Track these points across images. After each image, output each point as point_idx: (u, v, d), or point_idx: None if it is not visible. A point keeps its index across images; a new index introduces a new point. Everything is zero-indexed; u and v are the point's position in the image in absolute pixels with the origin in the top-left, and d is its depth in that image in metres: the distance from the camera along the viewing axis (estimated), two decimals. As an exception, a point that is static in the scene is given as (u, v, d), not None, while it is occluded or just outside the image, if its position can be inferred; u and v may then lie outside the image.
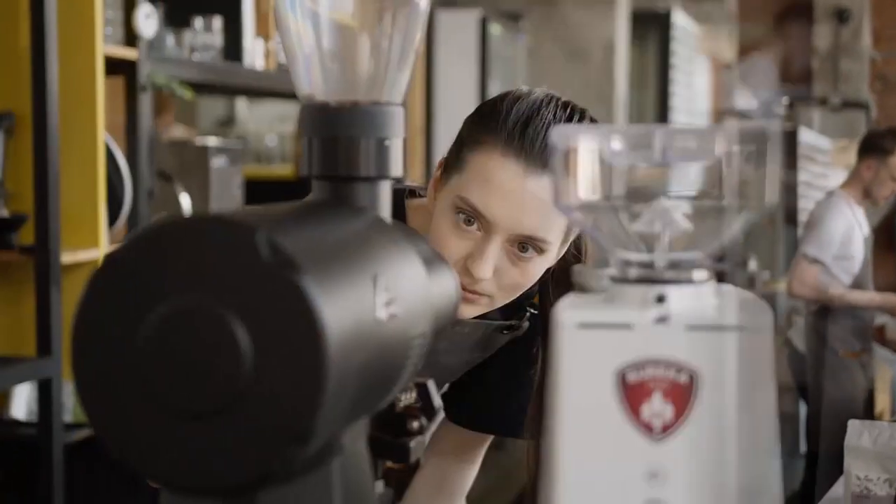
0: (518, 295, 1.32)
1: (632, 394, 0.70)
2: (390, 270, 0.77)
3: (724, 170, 0.73)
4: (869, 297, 4.58)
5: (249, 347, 0.64)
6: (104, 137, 2.65)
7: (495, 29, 5.00)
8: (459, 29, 4.96)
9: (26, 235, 2.53)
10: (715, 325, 0.70)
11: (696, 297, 0.73)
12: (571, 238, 1.35)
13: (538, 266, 1.29)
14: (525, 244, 1.27)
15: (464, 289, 1.28)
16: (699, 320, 0.71)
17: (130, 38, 2.80)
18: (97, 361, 0.67)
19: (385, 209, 0.87)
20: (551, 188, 0.76)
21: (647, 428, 0.69)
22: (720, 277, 0.79)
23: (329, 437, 0.68)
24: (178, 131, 4.00)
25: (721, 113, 9.72)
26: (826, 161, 8.12)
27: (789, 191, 7.17)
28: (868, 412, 4.51)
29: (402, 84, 0.89)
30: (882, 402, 4.71)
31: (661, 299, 0.72)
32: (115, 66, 2.77)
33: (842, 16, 9.48)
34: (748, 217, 0.74)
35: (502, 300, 1.32)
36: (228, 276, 0.65)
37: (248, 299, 0.64)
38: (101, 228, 2.65)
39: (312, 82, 0.88)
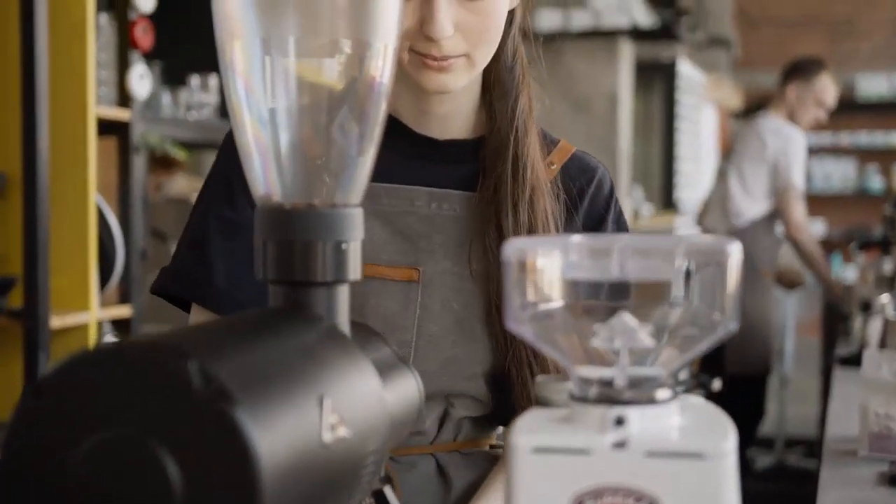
0: (494, 41, 1.25)
1: (587, 526, 0.66)
2: (340, 388, 0.73)
3: (683, 286, 0.70)
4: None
5: (180, 481, 0.61)
6: (96, 199, 2.63)
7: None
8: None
9: (15, 298, 2.50)
10: (676, 452, 0.67)
11: (658, 419, 0.69)
12: None
13: (496, 2, 1.22)
14: None
15: (434, 58, 1.21)
16: (660, 445, 0.67)
17: (124, 98, 2.80)
18: (26, 492, 0.64)
19: (342, 314, 0.84)
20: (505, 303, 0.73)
21: (603, 564, 0.66)
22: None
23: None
24: (181, 183, 3.99)
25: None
26: (701, 93, 8.28)
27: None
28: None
29: (361, 184, 0.87)
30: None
31: (620, 422, 0.69)
32: (108, 127, 2.76)
33: None
34: (711, 335, 0.70)
35: (481, 55, 1.24)
36: (159, 406, 0.62)
37: (179, 431, 0.62)
38: (92, 291, 2.63)
39: (268, 183, 0.85)
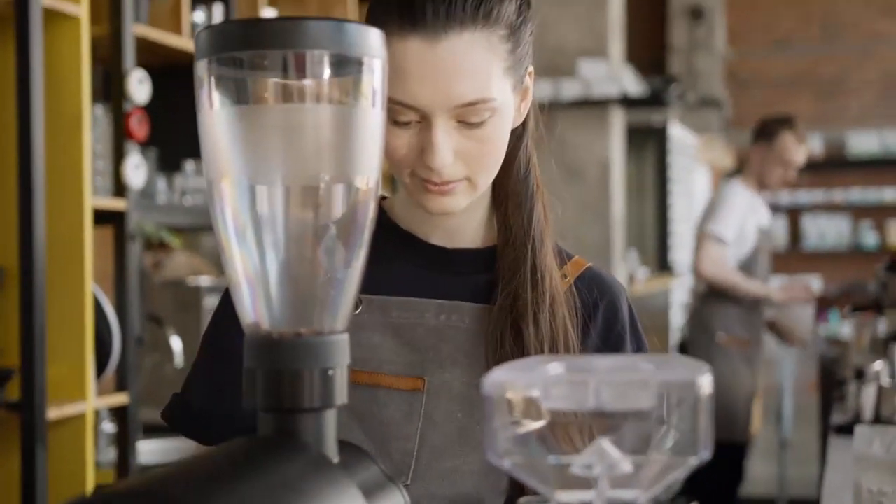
0: (496, 165, 1.23)
1: None
2: (327, 520, 0.76)
3: (658, 415, 0.73)
4: (768, 289, 4.64)
5: None
6: (92, 289, 2.66)
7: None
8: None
9: (12, 390, 2.52)
10: (653, 579, 0.69)
11: (637, 546, 0.72)
12: (526, 78, 1.26)
13: (497, 128, 1.21)
14: (470, 112, 1.18)
15: (435, 184, 1.21)
16: (638, 575, 0.69)
17: (120, 187, 2.84)
18: None
19: (330, 438, 0.87)
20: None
21: None
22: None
23: None
24: (180, 260, 4.01)
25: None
26: (693, 155, 8.32)
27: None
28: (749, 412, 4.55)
29: (347, 310, 0.89)
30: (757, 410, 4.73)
31: (599, 548, 0.71)
32: (104, 216, 2.80)
33: (696, 14, 9.68)
34: (686, 461, 0.73)
35: (483, 178, 1.23)
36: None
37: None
38: (89, 381, 2.64)
39: (257, 312, 0.88)
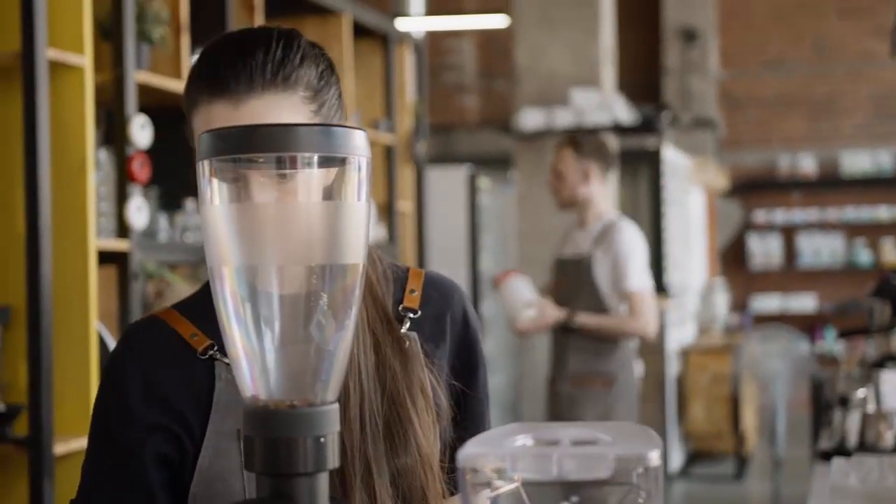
0: None
1: None
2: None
3: (615, 491, 0.82)
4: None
5: None
6: (97, 327, 2.75)
7: (483, 183, 5.14)
8: (449, 184, 5.10)
9: (20, 426, 2.61)
10: None
11: None
12: None
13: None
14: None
15: None
16: None
17: (123, 228, 2.93)
18: None
19: (322, 500, 0.95)
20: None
21: None
22: None
23: None
24: (181, 290, 4.08)
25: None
26: (687, 176, 8.38)
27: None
28: None
29: (337, 383, 0.98)
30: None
31: None
32: (108, 256, 2.89)
33: (689, 36, 9.76)
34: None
35: None
36: None
37: None
38: (94, 416, 2.73)
39: (255, 386, 0.97)
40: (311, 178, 0.92)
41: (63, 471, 2.66)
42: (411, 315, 1.39)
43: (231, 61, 1.26)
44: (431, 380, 1.36)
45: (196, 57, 1.32)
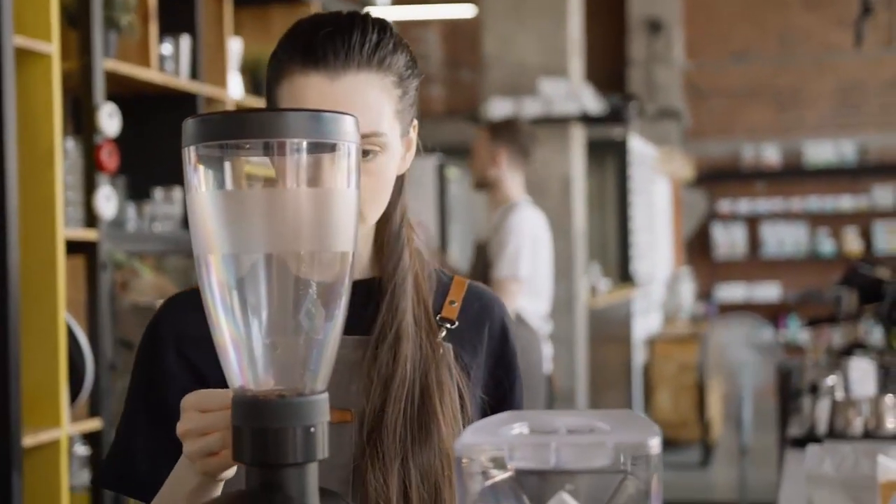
0: (382, 202, 1.31)
1: None
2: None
3: (615, 470, 0.81)
4: None
5: None
6: (65, 317, 2.72)
7: (452, 173, 5.12)
8: (417, 174, 5.06)
9: (-13, 419, 2.57)
10: None
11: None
12: (411, 130, 1.36)
13: (385, 165, 1.29)
14: (363, 143, 1.20)
15: None
16: None
17: (91, 218, 2.89)
18: None
19: (312, 490, 0.94)
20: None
21: None
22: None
23: None
24: (148, 280, 4.04)
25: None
26: (653, 166, 8.42)
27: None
28: None
29: (327, 371, 0.97)
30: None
31: None
32: (76, 246, 2.85)
33: (654, 27, 9.80)
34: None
35: (371, 211, 1.30)
36: None
37: None
38: (63, 408, 2.70)
39: (243, 376, 0.95)
40: (299, 165, 0.91)
41: (31, 462, 2.63)
42: (448, 325, 1.39)
43: (330, 36, 1.27)
44: (461, 387, 1.36)
45: (288, 30, 1.31)
